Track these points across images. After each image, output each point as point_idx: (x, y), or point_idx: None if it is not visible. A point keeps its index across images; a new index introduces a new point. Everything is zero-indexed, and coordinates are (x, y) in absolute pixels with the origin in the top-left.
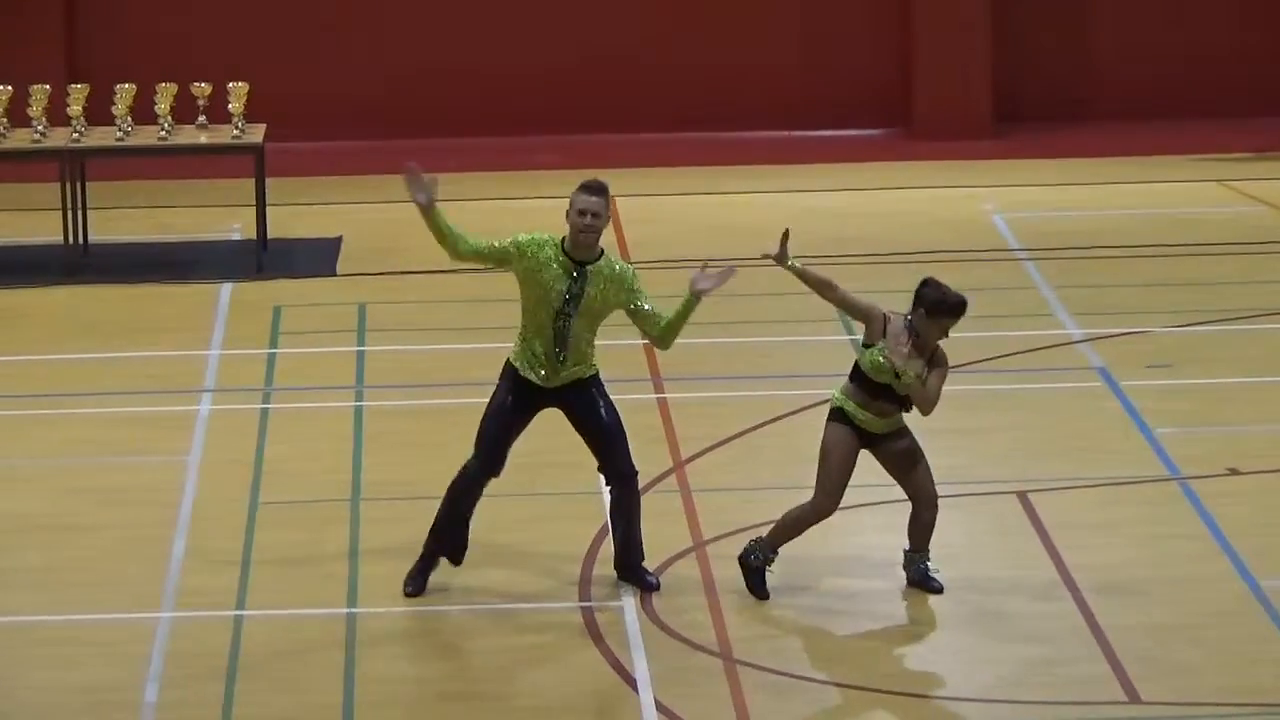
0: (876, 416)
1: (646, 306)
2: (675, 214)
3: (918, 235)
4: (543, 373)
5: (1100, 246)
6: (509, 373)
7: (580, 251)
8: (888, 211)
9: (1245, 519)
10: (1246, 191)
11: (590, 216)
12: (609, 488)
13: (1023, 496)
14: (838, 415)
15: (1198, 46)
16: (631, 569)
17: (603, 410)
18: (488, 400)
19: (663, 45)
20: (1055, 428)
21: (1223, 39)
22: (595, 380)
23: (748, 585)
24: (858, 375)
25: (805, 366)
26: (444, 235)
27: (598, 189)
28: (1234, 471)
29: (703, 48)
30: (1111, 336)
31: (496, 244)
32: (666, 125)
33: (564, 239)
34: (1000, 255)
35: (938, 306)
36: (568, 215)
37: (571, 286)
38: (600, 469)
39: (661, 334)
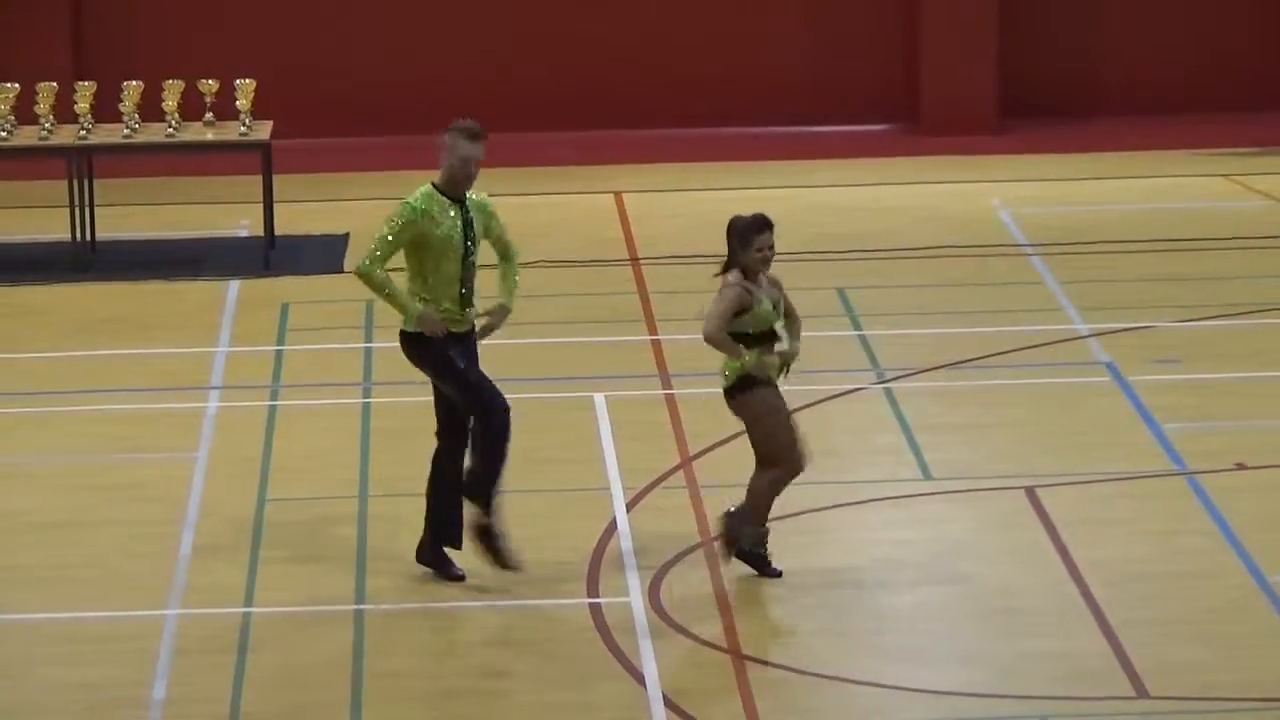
0: (774, 359)
1: (507, 236)
2: (683, 210)
3: (925, 231)
4: (458, 319)
5: (1107, 241)
6: (428, 339)
7: (459, 189)
8: (895, 207)
9: (1252, 514)
10: (1253, 186)
11: (474, 165)
12: (480, 424)
13: (1030, 492)
14: (750, 383)
15: (1204, 42)
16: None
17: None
18: (440, 374)
19: (671, 41)
20: (1062, 423)
21: (1229, 34)
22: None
23: (759, 571)
24: (745, 339)
25: (812, 361)
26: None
27: (483, 135)
28: (1241, 466)
29: (711, 44)
30: (1118, 331)
31: (391, 236)
32: (675, 121)
33: (435, 185)
34: (1007, 250)
35: (745, 230)
36: (449, 158)
37: (465, 226)
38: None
39: (504, 268)
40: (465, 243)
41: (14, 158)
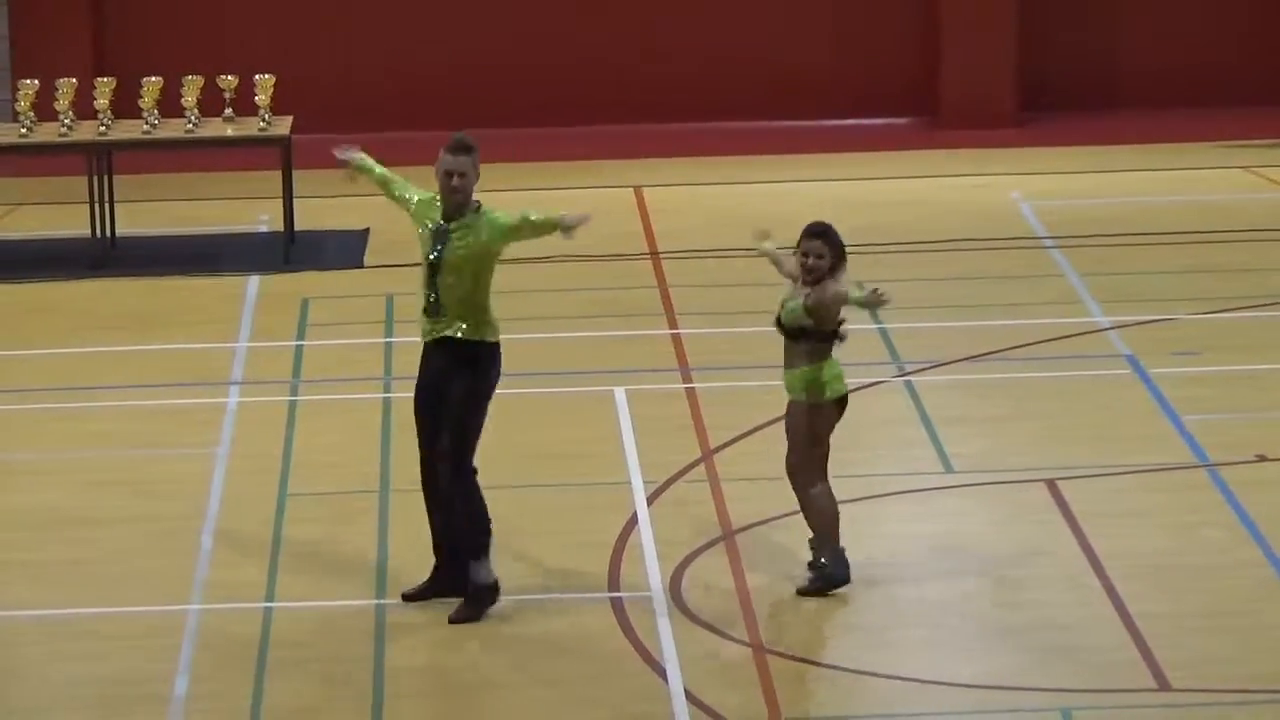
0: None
1: (518, 220)
2: (702, 204)
3: (944, 224)
4: (426, 326)
5: (1127, 234)
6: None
7: (451, 209)
8: (915, 200)
9: (1274, 506)
10: (1273, 178)
11: (456, 177)
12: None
13: (1051, 484)
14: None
15: (1223, 33)
16: (456, 564)
17: (456, 384)
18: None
19: (690, 34)
20: (1083, 415)
21: (1249, 25)
22: (468, 349)
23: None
24: (821, 335)
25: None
26: (382, 183)
27: (463, 148)
28: (1262, 458)
29: (730, 37)
30: (1139, 324)
31: (405, 195)
32: (694, 115)
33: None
34: (1027, 243)
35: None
36: (437, 175)
37: (436, 242)
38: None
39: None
40: (429, 256)
41: (34, 154)
